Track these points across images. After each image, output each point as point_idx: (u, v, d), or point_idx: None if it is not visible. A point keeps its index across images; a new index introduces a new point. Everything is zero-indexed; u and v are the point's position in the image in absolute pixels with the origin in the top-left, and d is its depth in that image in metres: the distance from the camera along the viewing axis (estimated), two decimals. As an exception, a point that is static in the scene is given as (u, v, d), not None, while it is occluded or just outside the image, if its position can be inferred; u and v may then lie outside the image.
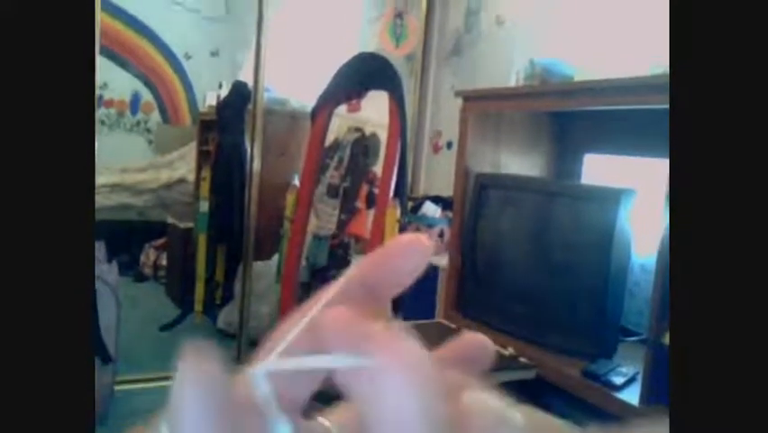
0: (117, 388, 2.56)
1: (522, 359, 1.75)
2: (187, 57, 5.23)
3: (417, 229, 2.62)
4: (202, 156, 4.25)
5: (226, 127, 3.55)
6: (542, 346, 1.78)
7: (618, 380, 1.56)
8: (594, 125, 2.08)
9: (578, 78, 1.92)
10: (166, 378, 2.83)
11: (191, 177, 4.55)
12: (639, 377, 1.53)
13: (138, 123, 5.23)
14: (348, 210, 2.64)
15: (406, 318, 2.25)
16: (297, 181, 2.85)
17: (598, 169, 2.11)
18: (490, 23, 2.88)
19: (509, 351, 1.78)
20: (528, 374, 1.73)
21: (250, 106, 3.10)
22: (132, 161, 4.90)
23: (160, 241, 4.51)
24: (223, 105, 3.66)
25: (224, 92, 3.79)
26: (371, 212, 2.49)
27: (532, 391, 1.67)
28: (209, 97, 4.49)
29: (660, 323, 1.41)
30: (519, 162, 2.16)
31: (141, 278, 4.50)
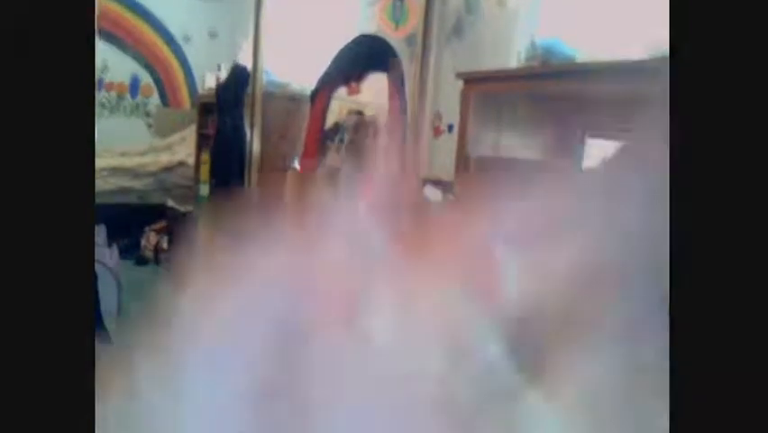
0: (119, 371, 2.57)
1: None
2: (186, 39, 5.19)
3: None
4: (201, 139, 4.24)
5: (226, 110, 3.54)
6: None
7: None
8: (596, 108, 2.07)
9: (579, 59, 1.90)
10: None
11: (191, 160, 4.54)
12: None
13: (137, 106, 5.21)
14: (348, 193, 2.63)
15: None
16: (296, 164, 2.85)
17: (599, 152, 2.10)
18: (491, 4, 2.85)
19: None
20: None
21: (249, 90, 3.09)
22: (132, 145, 4.88)
23: (160, 224, 4.51)
24: (222, 89, 3.64)
25: (223, 74, 3.77)
26: (372, 195, 2.48)
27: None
28: (208, 79, 4.47)
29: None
30: (520, 145, 2.15)
31: (142, 261, 4.51)
